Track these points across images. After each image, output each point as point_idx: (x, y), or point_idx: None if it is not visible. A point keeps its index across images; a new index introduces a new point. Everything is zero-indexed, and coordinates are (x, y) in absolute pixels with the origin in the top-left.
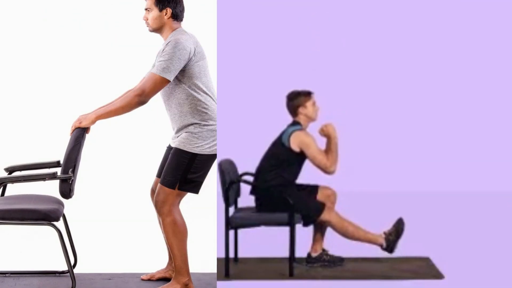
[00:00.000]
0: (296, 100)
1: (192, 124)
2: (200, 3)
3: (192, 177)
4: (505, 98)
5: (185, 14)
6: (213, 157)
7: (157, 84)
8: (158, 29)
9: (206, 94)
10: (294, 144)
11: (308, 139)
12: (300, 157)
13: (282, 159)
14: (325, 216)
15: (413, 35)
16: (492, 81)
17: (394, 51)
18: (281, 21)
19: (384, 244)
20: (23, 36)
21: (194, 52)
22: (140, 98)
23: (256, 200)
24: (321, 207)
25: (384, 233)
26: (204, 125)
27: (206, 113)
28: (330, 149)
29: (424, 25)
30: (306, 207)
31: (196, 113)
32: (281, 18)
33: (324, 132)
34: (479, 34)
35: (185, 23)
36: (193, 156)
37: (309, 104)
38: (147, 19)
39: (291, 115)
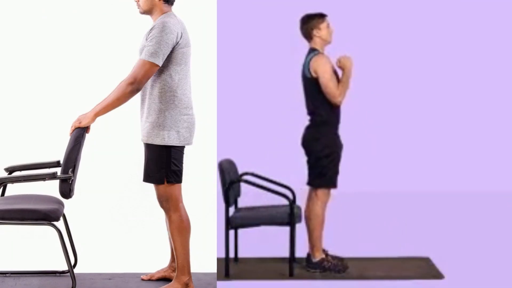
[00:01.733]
0: (310, 23)
1: (157, 111)
2: (200, 3)
3: (175, 169)
4: (505, 98)
5: (185, 14)
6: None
7: (147, 70)
8: (148, 11)
9: (180, 81)
10: (313, 70)
11: (323, 62)
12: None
13: (313, 94)
14: (320, 193)
15: (414, 36)
16: (492, 81)
17: (395, 52)
18: (282, 21)
19: (316, 260)
20: (23, 36)
21: (181, 37)
22: (133, 86)
23: (304, 138)
24: (333, 184)
25: (327, 254)
26: (168, 113)
27: (173, 101)
28: (342, 80)
29: (427, 28)
30: (329, 171)
31: (163, 98)
32: (282, 18)
33: (341, 64)
34: (480, 35)
35: (185, 22)
36: (168, 149)
37: (323, 26)
38: (138, 1)
39: (306, 40)
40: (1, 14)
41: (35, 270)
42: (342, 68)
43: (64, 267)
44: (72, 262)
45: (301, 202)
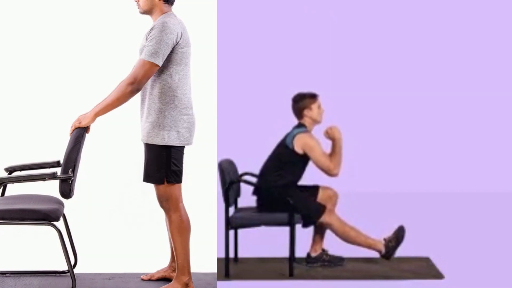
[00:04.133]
0: (302, 103)
1: (157, 111)
2: (200, 3)
3: (175, 169)
4: (505, 98)
5: (185, 14)
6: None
7: (147, 70)
8: (148, 11)
9: (180, 81)
10: (298, 146)
11: (312, 142)
12: (304, 159)
13: (285, 161)
14: (325, 218)
15: (413, 37)
16: (492, 81)
17: (394, 52)
18: (281, 22)
19: (383, 251)
20: (23, 35)
21: (181, 37)
22: (133, 86)
23: (258, 200)
24: (321, 209)
25: (384, 239)
26: (168, 113)
27: (173, 101)
28: (334, 152)
29: (423, 27)
30: (306, 208)
31: (163, 98)
32: (282, 18)
33: (329, 135)
34: (479, 35)
35: (185, 22)
36: (168, 149)
37: (314, 106)
38: (138, 1)
39: (296, 117)
40: (1, 14)
41: (35, 270)
42: (331, 139)
43: (64, 267)
44: (72, 262)
45: None
